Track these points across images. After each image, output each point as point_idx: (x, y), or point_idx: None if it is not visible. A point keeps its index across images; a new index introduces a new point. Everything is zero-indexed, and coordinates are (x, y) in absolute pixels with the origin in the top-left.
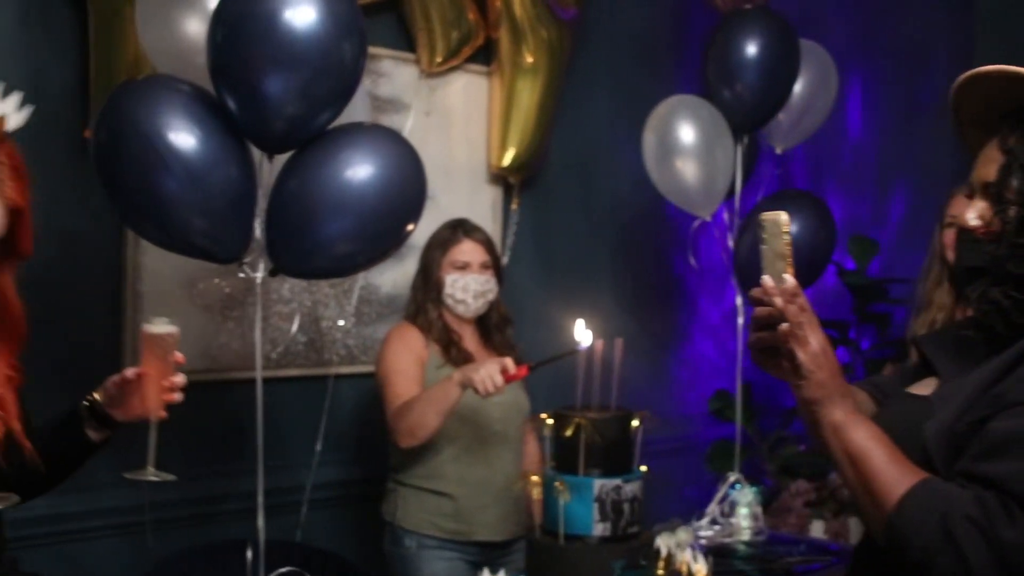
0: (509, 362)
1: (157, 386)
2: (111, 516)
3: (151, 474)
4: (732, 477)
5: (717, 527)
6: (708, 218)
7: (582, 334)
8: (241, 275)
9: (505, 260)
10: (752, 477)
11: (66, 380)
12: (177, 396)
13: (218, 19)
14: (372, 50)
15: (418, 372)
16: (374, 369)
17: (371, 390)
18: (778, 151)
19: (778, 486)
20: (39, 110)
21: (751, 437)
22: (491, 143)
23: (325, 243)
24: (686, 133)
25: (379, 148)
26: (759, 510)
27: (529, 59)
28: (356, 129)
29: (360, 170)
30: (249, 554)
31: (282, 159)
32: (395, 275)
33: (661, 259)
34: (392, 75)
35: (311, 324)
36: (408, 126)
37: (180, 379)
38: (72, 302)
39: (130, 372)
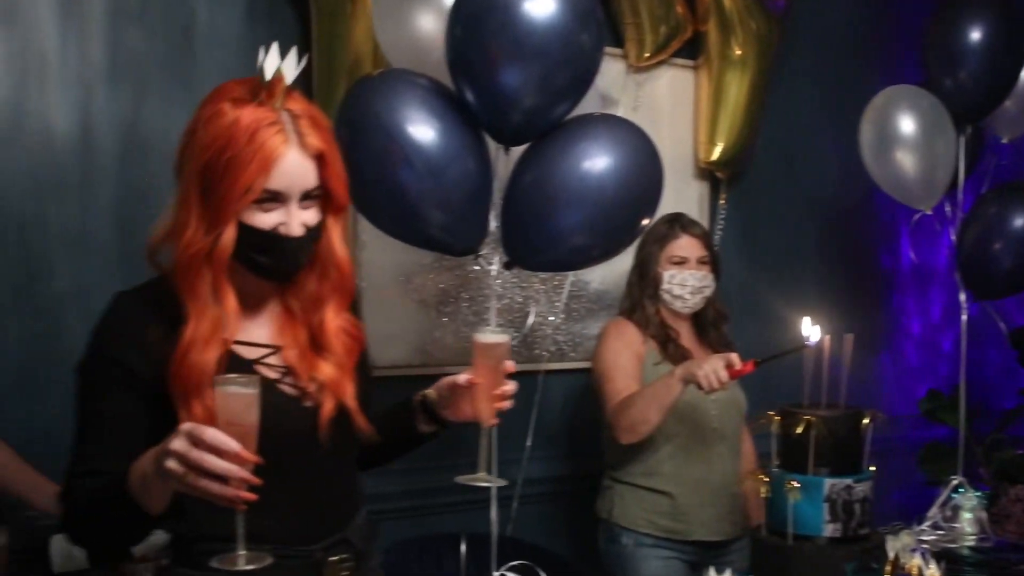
0: (735, 357)
1: (488, 394)
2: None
3: (483, 479)
4: (955, 481)
5: (940, 532)
6: (928, 211)
7: (810, 330)
8: (476, 267)
9: None
10: (968, 481)
11: None
12: (507, 404)
13: (457, 13)
14: None
15: (636, 368)
16: (590, 365)
17: (581, 386)
18: (1004, 140)
19: (996, 491)
20: None
21: (966, 439)
22: (698, 138)
23: (560, 235)
24: (906, 124)
25: (616, 139)
26: (984, 515)
27: (738, 52)
28: (592, 120)
29: (597, 161)
30: (463, 547)
31: (518, 152)
32: (604, 271)
33: (870, 254)
34: (601, 71)
35: (522, 320)
36: None
37: (511, 387)
38: None
39: (462, 378)
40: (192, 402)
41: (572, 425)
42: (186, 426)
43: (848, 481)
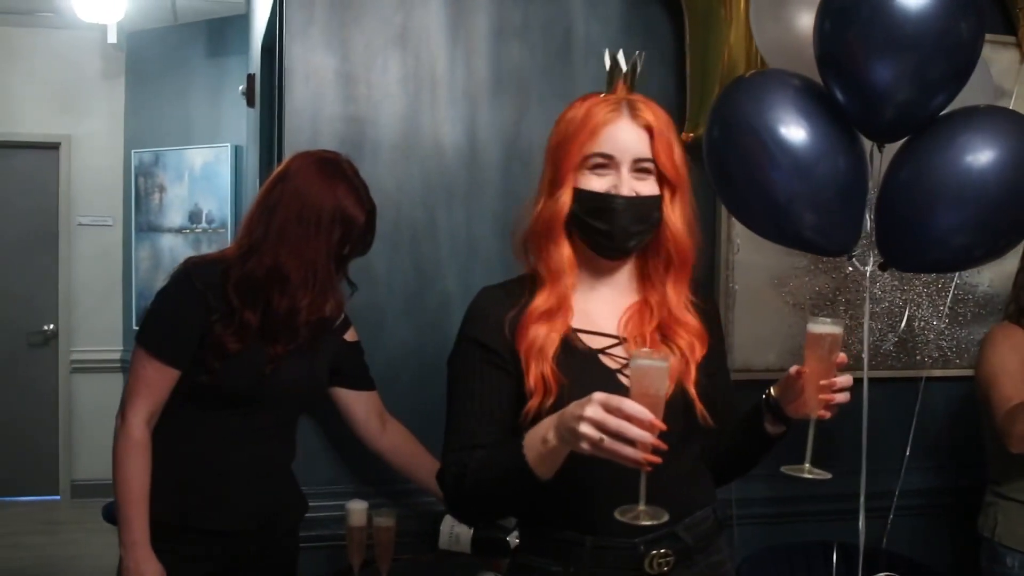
0: None
1: (816, 386)
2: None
3: (807, 471)
4: None
5: None
6: None
7: None
8: (850, 268)
9: None
10: None
11: None
12: (840, 397)
13: (826, 8)
14: None
15: None
16: (973, 372)
17: (965, 395)
18: None
19: None
20: None
21: None
22: None
23: (940, 235)
24: None
25: (1000, 131)
26: None
27: None
28: (974, 113)
29: (980, 156)
30: (834, 556)
31: (893, 148)
32: (992, 273)
33: None
34: (992, 61)
35: (902, 324)
36: None
37: (844, 380)
38: None
39: (793, 370)
40: (531, 367)
41: (954, 436)
42: (599, 396)
43: None
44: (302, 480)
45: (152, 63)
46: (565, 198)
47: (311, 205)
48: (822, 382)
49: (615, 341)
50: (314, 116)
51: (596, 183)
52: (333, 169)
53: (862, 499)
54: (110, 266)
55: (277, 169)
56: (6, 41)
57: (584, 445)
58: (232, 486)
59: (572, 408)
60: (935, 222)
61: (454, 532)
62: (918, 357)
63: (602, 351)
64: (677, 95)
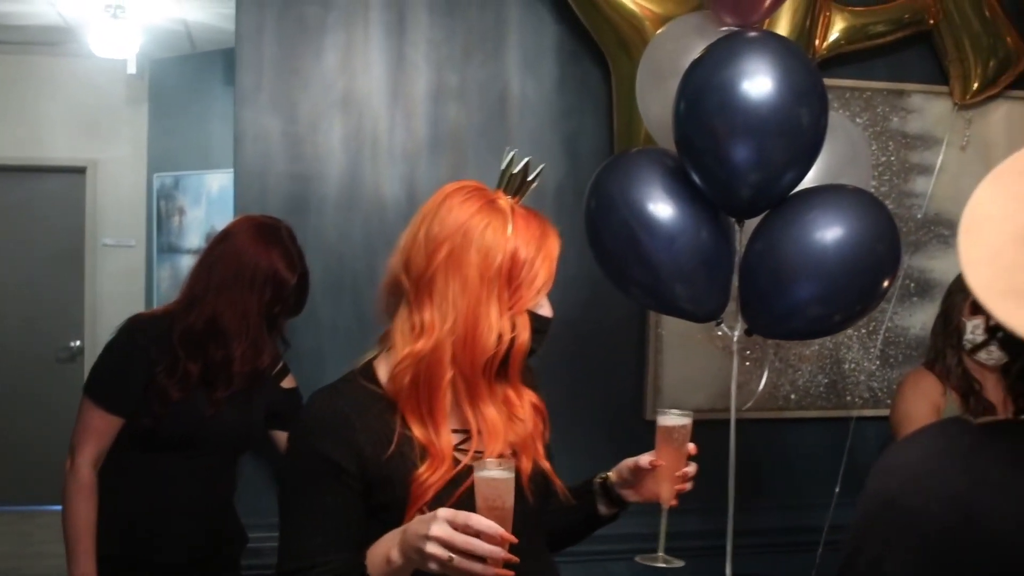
0: None
1: (670, 477)
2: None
3: (661, 560)
4: None
5: None
6: None
7: None
8: (719, 333)
9: None
10: None
11: (592, 423)
12: (688, 486)
13: (680, 93)
14: (899, 86)
15: (932, 420)
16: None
17: None
18: None
19: None
20: (575, 170)
21: None
22: None
23: (794, 306)
24: None
25: (844, 209)
26: None
27: None
28: (820, 191)
29: (826, 232)
30: None
31: (755, 221)
32: (925, 317)
33: None
34: (923, 110)
35: (833, 366)
36: (939, 161)
37: (692, 469)
38: (600, 344)
39: (645, 460)
40: (415, 510)
41: None
42: (444, 513)
43: None
44: (247, 512)
45: (173, 90)
46: (524, 323)
47: (247, 265)
48: (677, 473)
49: (464, 436)
50: (263, 174)
51: (546, 307)
52: (271, 234)
53: (729, 537)
54: (133, 285)
55: (221, 229)
56: (35, 70)
57: (432, 565)
58: (174, 522)
59: (416, 527)
60: (789, 294)
61: None
62: (848, 398)
63: (455, 448)
64: (611, 153)
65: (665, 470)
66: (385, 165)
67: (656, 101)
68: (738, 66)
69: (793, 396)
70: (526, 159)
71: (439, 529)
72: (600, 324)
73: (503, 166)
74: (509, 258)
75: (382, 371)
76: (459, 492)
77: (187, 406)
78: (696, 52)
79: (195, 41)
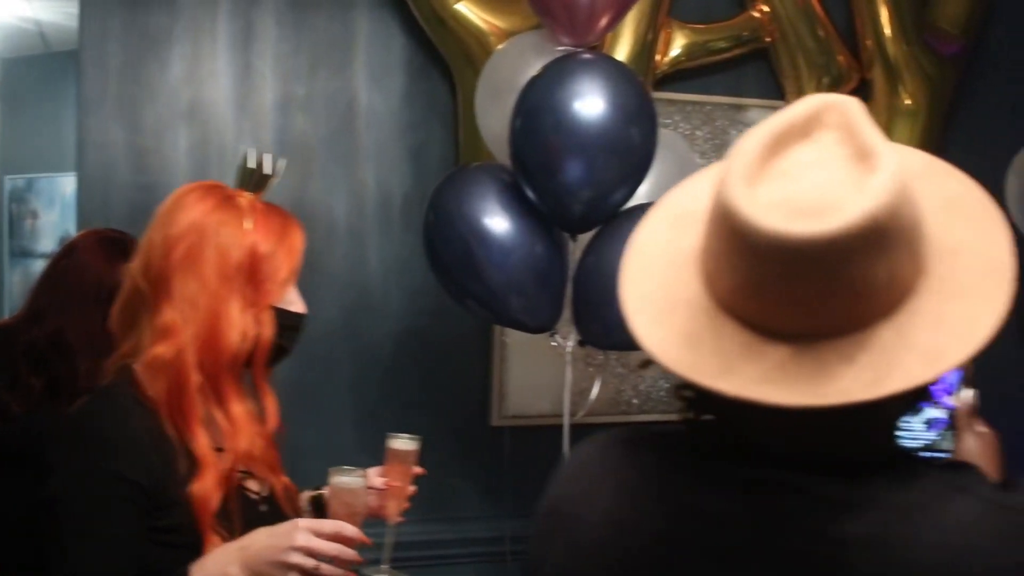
0: None
1: (398, 496)
2: (474, 545)
3: (385, 572)
4: None
5: None
6: None
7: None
8: (553, 344)
9: None
10: None
11: (440, 430)
12: (407, 505)
13: (516, 111)
14: (738, 100)
15: None
16: None
17: None
18: None
19: None
20: (421, 183)
21: None
22: None
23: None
24: None
25: None
26: None
27: (907, 101)
28: (647, 207)
29: None
30: None
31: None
32: None
33: None
34: (761, 123)
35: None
36: None
37: (413, 489)
38: (447, 352)
39: (380, 483)
40: (206, 525)
41: None
42: (306, 523)
43: None
44: None
45: (26, 90)
46: (268, 319)
47: (92, 280)
48: (404, 493)
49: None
50: (107, 183)
51: (298, 303)
52: (117, 248)
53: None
54: None
55: (66, 242)
56: None
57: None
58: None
59: (269, 540)
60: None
61: None
62: None
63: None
64: (457, 166)
65: (394, 489)
66: (232, 176)
67: (494, 117)
68: (572, 87)
69: (635, 400)
70: (266, 154)
71: (305, 539)
72: (447, 333)
73: (239, 163)
74: (248, 253)
75: (141, 378)
76: (237, 504)
77: (31, 421)
78: (533, 70)
79: (48, 41)
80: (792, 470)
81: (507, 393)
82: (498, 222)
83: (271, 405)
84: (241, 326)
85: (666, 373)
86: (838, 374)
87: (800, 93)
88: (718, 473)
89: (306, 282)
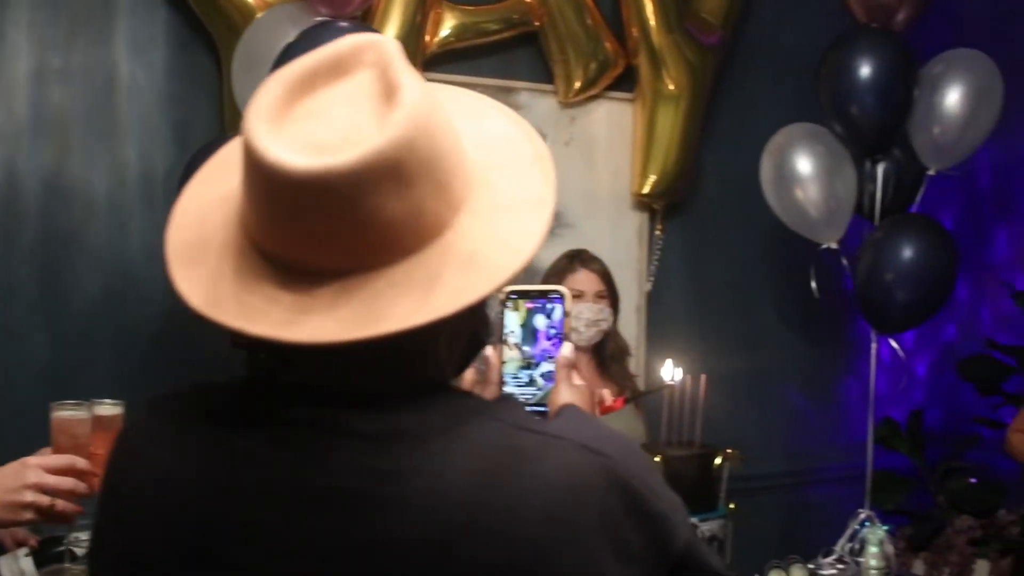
0: (606, 393)
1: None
2: None
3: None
4: (863, 514)
5: (842, 566)
6: (834, 245)
7: (672, 370)
8: None
9: (649, 286)
10: (916, 511)
11: None
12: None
13: None
14: (509, 83)
15: None
16: None
17: None
18: (931, 172)
19: (943, 522)
20: (184, 158)
21: (918, 468)
22: (633, 170)
23: None
24: (802, 162)
25: None
26: (891, 549)
27: (670, 86)
28: None
29: None
30: None
31: None
32: None
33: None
34: (531, 107)
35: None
36: None
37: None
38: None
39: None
40: None
41: None
42: (36, 460)
43: (694, 520)
44: None
45: None
46: None
47: None
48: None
49: None
50: None
51: None
52: None
53: None
54: None
55: None
56: None
57: (27, 515)
58: None
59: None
60: None
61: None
62: None
63: None
64: (217, 136)
65: (99, 458)
66: None
67: (249, 88)
68: None
69: None
70: None
71: (37, 476)
72: None
73: None
74: None
75: None
76: None
77: None
78: (291, 39)
79: None
80: (333, 407)
81: None
82: None
83: None
84: None
85: None
86: (377, 308)
87: (568, 77)
88: (258, 416)
89: (64, 260)
